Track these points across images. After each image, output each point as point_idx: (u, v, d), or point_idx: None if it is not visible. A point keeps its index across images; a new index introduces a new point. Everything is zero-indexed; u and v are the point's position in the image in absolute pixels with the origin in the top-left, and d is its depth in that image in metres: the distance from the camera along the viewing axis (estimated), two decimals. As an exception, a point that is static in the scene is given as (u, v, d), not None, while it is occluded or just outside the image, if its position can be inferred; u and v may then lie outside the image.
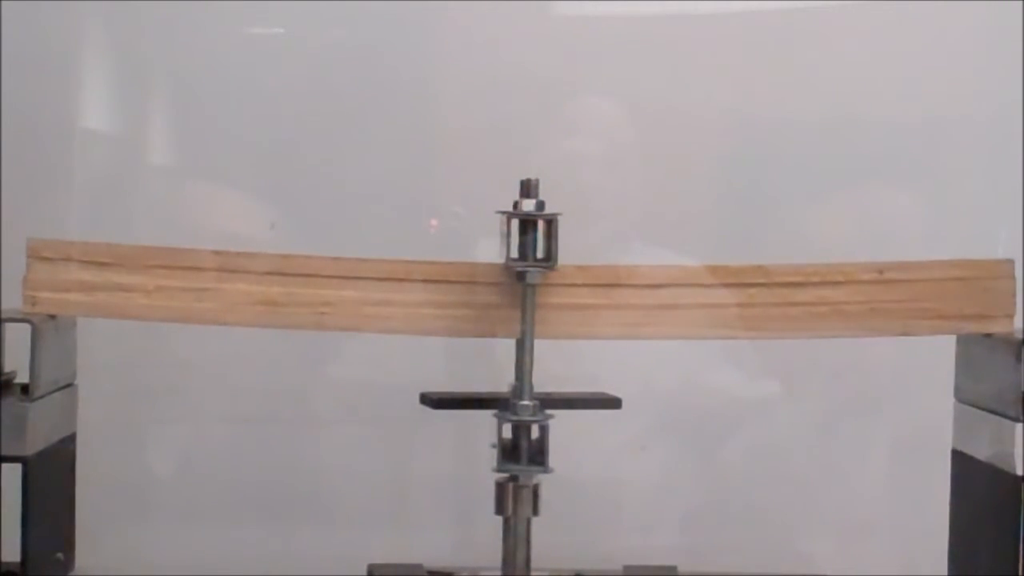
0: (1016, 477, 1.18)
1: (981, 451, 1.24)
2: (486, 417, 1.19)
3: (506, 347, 1.20)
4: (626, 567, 1.30)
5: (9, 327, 1.20)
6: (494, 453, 1.17)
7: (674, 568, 1.31)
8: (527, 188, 1.16)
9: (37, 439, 1.20)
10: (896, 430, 1.54)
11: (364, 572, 1.28)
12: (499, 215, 1.17)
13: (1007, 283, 1.25)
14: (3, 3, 1.46)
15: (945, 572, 1.29)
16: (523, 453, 1.16)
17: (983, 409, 1.24)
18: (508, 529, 1.18)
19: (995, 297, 1.24)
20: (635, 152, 1.55)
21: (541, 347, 1.18)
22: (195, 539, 1.51)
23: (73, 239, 1.21)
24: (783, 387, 1.54)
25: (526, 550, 1.19)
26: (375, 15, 1.52)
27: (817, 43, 1.55)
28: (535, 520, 1.19)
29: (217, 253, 1.20)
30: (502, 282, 1.19)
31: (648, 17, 1.56)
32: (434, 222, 1.53)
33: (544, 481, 1.18)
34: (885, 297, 1.23)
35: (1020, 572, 1.17)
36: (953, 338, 1.27)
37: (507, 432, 1.17)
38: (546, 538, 1.21)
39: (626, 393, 1.24)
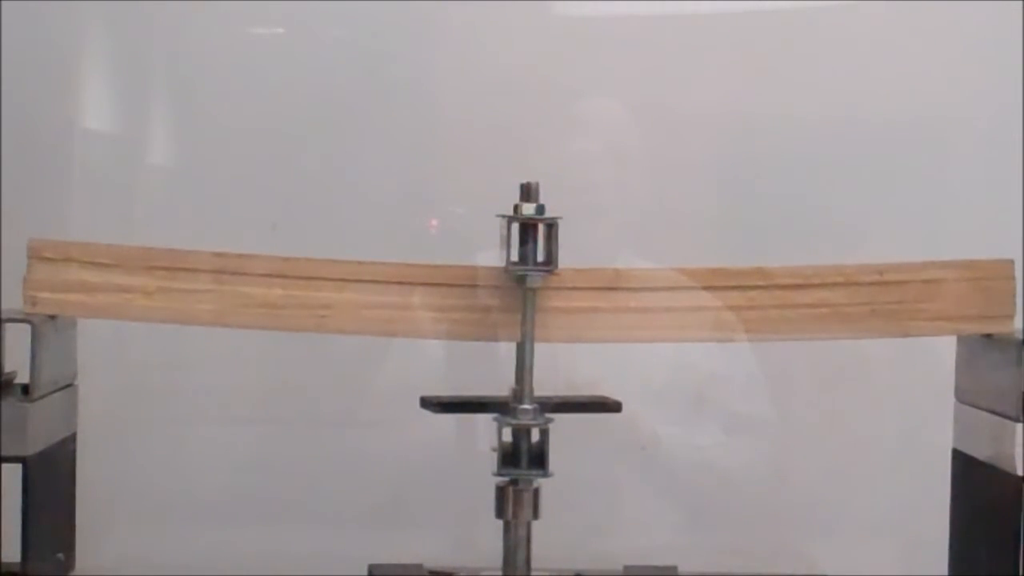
0: (1016, 477, 1.18)
1: (981, 451, 1.24)
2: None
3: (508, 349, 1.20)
4: (626, 567, 1.31)
5: (9, 327, 1.19)
6: (494, 457, 1.17)
7: (674, 568, 1.31)
8: (527, 192, 1.16)
9: (37, 439, 1.20)
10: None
11: (364, 572, 1.29)
12: (499, 219, 1.17)
13: (1007, 283, 1.24)
14: (3, 3, 1.47)
15: (945, 572, 1.29)
16: (523, 457, 1.16)
17: (983, 409, 1.24)
18: (508, 532, 1.19)
19: (995, 297, 1.24)
20: (636, 152, 1.55)
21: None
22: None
23: (73, 239, 1.21)
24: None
25: (526, 552, 1.19)
26: (375, 15, 1.52)
27: (817, 43, 1.55)
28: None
29: (217, 255, 1.19)
30: (502, 286, 1.19)
31: (648, 17, 1.56)
32: (434, 222, 1.54)
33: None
34: (885, 298, 1.23)
35: (1020, 572, 1.17)
36: (953, 339, 1.27)
37: (507, 436, 1.17)
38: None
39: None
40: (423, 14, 1.53)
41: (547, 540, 1.19)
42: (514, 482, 1.17)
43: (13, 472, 1.18)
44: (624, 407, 1.22)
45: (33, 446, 1.19)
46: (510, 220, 1.17)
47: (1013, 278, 1.25)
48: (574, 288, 1.21)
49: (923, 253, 1.27)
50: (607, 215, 1.55)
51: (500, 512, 1.18)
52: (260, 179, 1.54)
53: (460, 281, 1.20)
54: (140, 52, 1.56)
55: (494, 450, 1.17)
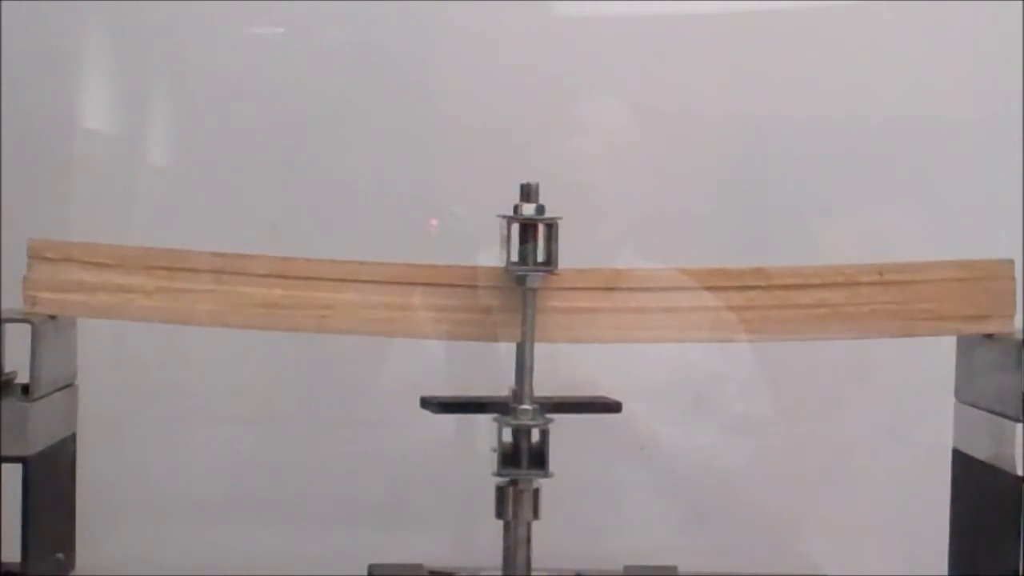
0: (1016, 477, 1.18)
1: (981, 451, 1.24)
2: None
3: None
4: (626, 567, 1.31)
5: (9, 327, 1.20)
6: (494, 457, 1.17)
7: (674, 568, 1.31)
8: (527, 192, 1.16)
9: (37, 439, 1.20)
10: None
11: (364, 572, 1.29)
12: (499, 219, 1.17)
13: (1007, 283, 1.24)
14: (3, 3, 1.47)
15: (945, 572, 1.29)
16: (523, 457, 1.16)
17: (983, 409, 1.24)
18: (508, 533, 1.18)
19: (995, 297, 1.24)
20: (637, 153, 1.55)
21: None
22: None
23: (73, 239, 1.21)
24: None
25: (526, 552, 1.19)
26: (375, 15, 1.52)
27: (817, 43, 1.55)
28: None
29: (217, 255, 1.19)
30: (503, 286, 1.19)
31: (648, 17, 1.56)
32: (434, 222, 1.54)
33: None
34: (885, 299, 1.23)
35: (1020, 572, 1.17)
36: (954, 338, 1.27)
37: (507, 436, 1.17)
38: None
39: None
40: (423, 14, 1.53)
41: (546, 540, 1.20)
42: (514, 482, 1.17)
43: (13, 472, 1.18)
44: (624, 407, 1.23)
45: (33, 446, 1.19)
46: (510, 220, 1.17)
47: (1013, 278, 1.24)
48: (574, 288, 1.21)
49: (923, 253, 1.27)
50: (607, 215, 1.55)
51: (500, 512, 1.18)
52: (260, 179, 1.54)
53: (460, 281, 1.20)
54: (140, 52, 1.56)
55: (494, 450, 1.17)
